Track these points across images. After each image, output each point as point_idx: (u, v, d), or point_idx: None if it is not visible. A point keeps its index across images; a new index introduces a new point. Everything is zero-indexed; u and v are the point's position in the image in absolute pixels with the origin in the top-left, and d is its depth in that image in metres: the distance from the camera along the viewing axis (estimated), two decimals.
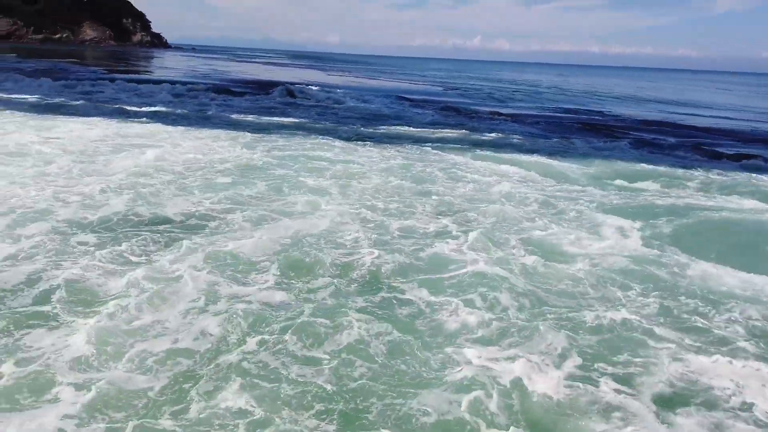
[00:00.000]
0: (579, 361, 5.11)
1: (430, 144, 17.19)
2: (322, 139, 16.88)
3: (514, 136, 20.14)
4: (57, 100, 23.00)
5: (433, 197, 10.63)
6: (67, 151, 12.62)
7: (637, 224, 9.32)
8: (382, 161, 13.96)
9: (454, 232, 8.56)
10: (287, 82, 38.78)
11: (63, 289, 5.86)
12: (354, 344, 5.19)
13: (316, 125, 20.24)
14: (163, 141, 14.83)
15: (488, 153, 15.94)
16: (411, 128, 20.92)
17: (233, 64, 76.61)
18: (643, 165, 15.28)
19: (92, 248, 7.09)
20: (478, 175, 13.01)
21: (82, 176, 10.58)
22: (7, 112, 18.42)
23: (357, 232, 8.22)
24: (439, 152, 15.75)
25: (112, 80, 30.91)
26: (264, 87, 35.22)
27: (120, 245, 7.22)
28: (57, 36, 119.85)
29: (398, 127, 20.98)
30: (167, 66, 58.45)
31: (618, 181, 13.01)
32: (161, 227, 8.09)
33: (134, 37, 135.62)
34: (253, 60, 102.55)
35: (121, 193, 9.56)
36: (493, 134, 20.27)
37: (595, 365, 5.06)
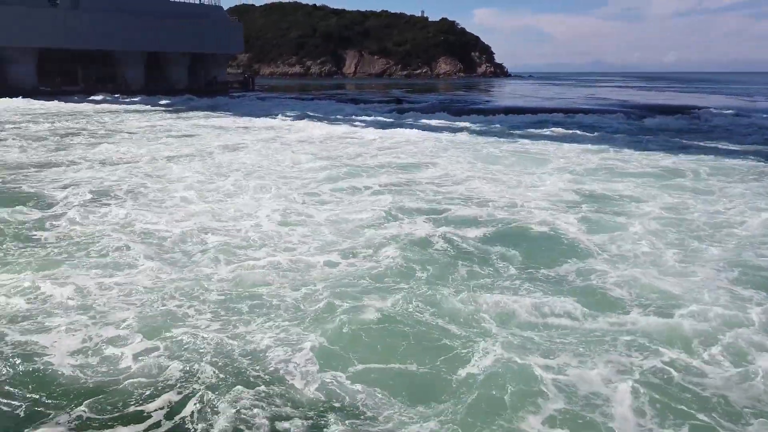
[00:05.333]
0: None
1: None
2: None
3: None
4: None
5: None
6: None
7: None
8: None
9: None
10: (698, 107, 34.02)
11: None
12: None
13: None
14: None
15: None
16: None
17: (597, 89, 71.70)
18: None
19: None
20: None
21: None
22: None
23: None
24: None
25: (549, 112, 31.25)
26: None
27: None
28: (417, 71, 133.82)
29: None
30: (546, 96, 56.08)
31: None
32: None
33: (479, 69, 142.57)
34: (603, 84, 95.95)
35: None
36: None
37: None
